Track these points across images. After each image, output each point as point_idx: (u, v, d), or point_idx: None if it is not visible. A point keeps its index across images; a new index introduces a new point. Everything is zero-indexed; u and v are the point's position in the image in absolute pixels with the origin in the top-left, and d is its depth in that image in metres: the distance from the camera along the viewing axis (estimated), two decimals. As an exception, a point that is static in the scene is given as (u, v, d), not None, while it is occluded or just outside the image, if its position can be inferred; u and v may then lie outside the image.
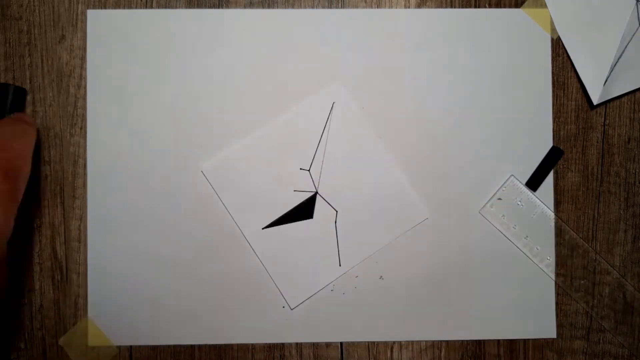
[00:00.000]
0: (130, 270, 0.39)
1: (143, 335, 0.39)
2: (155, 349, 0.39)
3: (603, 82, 0.39)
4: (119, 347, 0.39)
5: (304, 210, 0.39)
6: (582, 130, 0.40)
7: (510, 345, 0.40)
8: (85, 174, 0.39)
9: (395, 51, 0.40)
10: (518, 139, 0.40)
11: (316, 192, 0.39)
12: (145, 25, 0.40)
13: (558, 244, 0.40)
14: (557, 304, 0.40)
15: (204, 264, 0.39)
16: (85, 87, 0.39)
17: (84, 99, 0.39)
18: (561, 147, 0.40)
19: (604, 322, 0.39)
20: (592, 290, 0.40)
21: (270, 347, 0.39)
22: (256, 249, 0.39)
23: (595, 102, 0.40)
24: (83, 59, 0.39)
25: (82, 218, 0.39)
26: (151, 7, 0.40)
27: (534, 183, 0.39)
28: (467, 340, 0.40)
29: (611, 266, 0.40)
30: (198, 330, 0.39)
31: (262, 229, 0.39)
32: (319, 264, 0.39)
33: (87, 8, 0.40)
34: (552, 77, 0.40)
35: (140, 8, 0.40)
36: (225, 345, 0.39)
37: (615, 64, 0.39)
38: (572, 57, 0.40)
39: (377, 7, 0.40)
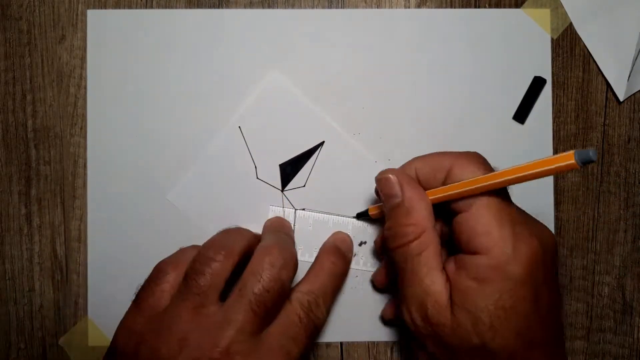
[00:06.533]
0: (130, 271, 0.39)
1: (143, 335, 0.39)
2: (155, 349, 0.39)
3: (627, 78, 0.39)
4: (119, 347, 0.39)
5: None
6: (582, 130, 0.40)
7: (510, 345, 0.40)
8: (85, 174, 0.39)
9: (395, 51, 0.40)
10: (518, 139, 0.40)
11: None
12: (145, 25, 0.40)
13: (558, 244, 0.40)
14: (557, 304, 0.40)
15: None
16: (85, 87, 0.39)
17: (84, 99, 0.39)
18: (560, 146, 0.40)
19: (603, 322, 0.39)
20: (592, 290, 0.40)
21: (270, 347, 0.39)
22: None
23: (621, 98, 0.39)
24: (83, 59, 0.39)
25: (82, 218, 0.39)
26: (151, 7, 0.40)
27: (520, 116, 0.39)
28: (467, 340, 0.39)
29: (611, 266, 0.40)
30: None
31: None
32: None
33: (87, 8, 0.40)
34: (552, 77, 0.40)
35: (140, 8, 0.40)
36: (225, 345, 0.39)
37: (638, 57, 0.39)
38: (593, 54, 0.40)
39: (377, 7, 0.40)
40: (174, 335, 0.28)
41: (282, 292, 0.30)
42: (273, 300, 0.29)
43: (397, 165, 0.39)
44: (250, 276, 0.29)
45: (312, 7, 0.40)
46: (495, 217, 0.28)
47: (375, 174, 0.33)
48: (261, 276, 0.29)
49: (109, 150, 0.39)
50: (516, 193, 0.40)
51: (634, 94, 0.40)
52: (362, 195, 0.39)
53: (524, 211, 0.31)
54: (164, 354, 0.27)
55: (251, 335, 0.28)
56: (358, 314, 0.39)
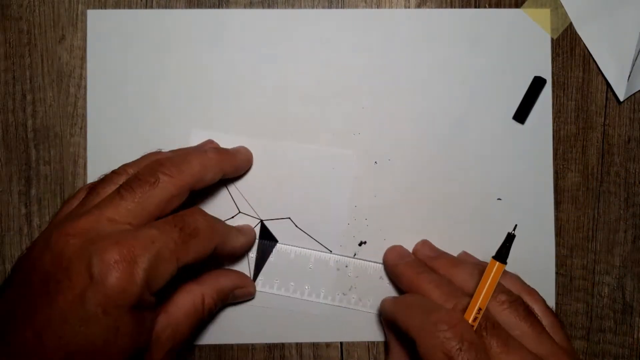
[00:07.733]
0: (130, 270, 0.39)
1: (143, 335, 0.39)
2: (155, 349, 0.39)
3: (627, 78, 0.39)
4: (119, 347, 0.39)
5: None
6: (582, 130, 0.40)
7: (510, 345, 0.40)
8: (85, 174, 0.39)
9: (395, 51, 0.40)
10: (518, 139, 0.40)
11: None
12: (145, 25, 0.40)
13: (558, 244, 0.40)
14: (557, 304, 0.40)
15: (202, 263, 0.39)
16: (85, 87, 0.39)
17: (84, 99, 0.39)
18: (560, 146, 0.40)
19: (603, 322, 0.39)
20: (592, 290, 0.40)
21: (270, 347, 0.39)
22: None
23: (621, 98, 0.39)
24: (83, 59, 0.39)
25: (82, 218, 0.39)
26: (151, 7, 0.40)
27: (520, 116, 0.39)
28: (467, 340, 0.39)
29: (611, 266, 0.40)
30: (198, 330, 0.39)
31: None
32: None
33: (87, 8, 0.40)
34: (552, 77, 0.40)
35: (140, 8, 0.40)
36: (225, 345, 0.39)
37: (637, 57, 0.39)
38: (593, 54, 0.40)
39: (377, 7, 0.40)
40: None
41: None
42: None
43: (397, 165, 0.39)
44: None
45: (312, 7, 0.40)
46: None
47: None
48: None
49: (108, 150, 0.39)
50: (516, 193, 0.40)
51: (634, 94, 0.40)
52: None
53: None
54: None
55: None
56: (358, 314, 0.39)
